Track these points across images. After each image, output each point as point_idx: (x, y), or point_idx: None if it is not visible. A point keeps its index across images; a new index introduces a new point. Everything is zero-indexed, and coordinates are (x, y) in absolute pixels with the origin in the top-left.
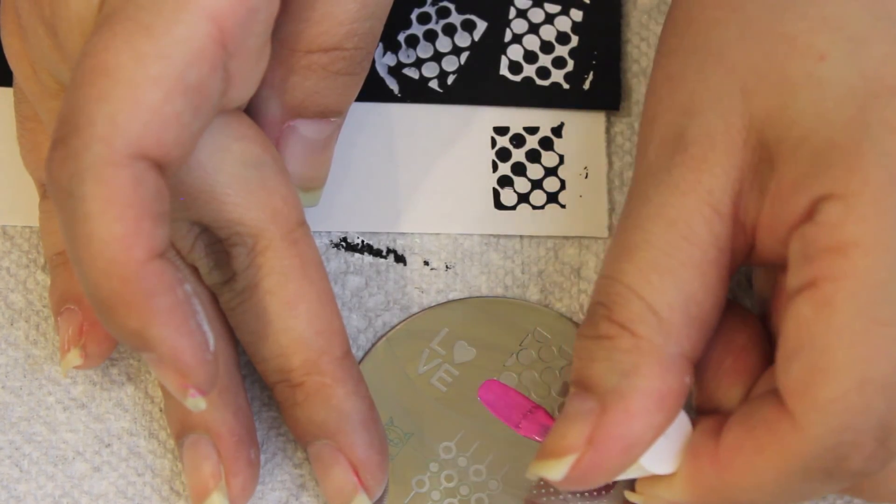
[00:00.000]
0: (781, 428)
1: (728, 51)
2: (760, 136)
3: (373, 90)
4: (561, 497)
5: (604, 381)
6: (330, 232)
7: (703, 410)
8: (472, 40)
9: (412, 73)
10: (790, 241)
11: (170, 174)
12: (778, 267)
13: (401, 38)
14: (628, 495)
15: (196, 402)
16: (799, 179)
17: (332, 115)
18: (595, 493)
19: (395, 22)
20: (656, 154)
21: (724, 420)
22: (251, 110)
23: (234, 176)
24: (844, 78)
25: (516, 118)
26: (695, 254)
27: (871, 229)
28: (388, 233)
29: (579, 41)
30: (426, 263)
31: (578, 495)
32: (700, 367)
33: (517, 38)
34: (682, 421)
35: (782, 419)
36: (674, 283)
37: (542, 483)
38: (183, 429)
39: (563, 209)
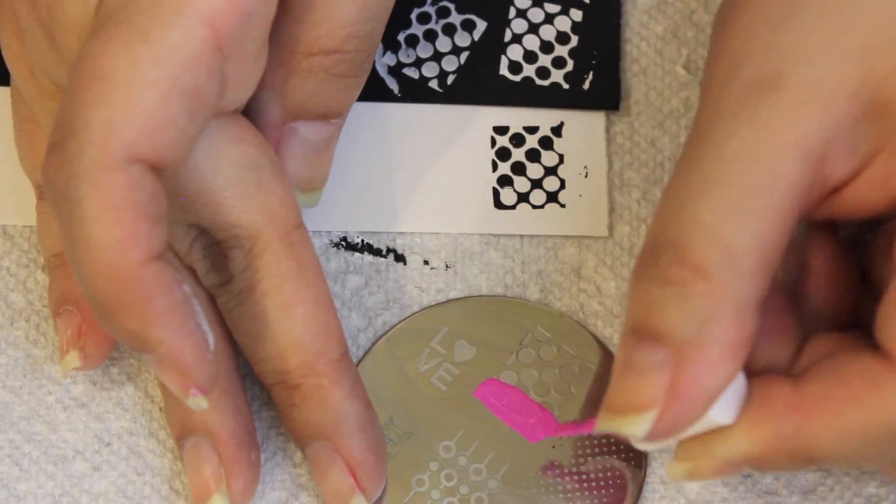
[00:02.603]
0: (885, 381)
1: (843, 8)
2: (875, 94)
3: (373, 90)
4: (562, 496)
5: (678, 329)
6: (330, 231)
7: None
8: (472, 40)
9: (412, 73)
10: None
11: (167, 177)
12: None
13: (401, 37)
14: (670, 468)
15: (198, 402)
16: None
17: (332, 116)
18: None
19: (395, 22)
20: (743, 92)
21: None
22: (250, 112)
23: (231, 178)
24: None
25: (516, 118)
26: (776, 198)
27: None
28: (387, 232)
29: (579, 41)
30: (426, 263)
31: (583, 493)
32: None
33: (517, 38)
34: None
35: (888, 373)
36: (752, 226)
37: (541, 482)
38: (183, 431)
39: (563, 208)
